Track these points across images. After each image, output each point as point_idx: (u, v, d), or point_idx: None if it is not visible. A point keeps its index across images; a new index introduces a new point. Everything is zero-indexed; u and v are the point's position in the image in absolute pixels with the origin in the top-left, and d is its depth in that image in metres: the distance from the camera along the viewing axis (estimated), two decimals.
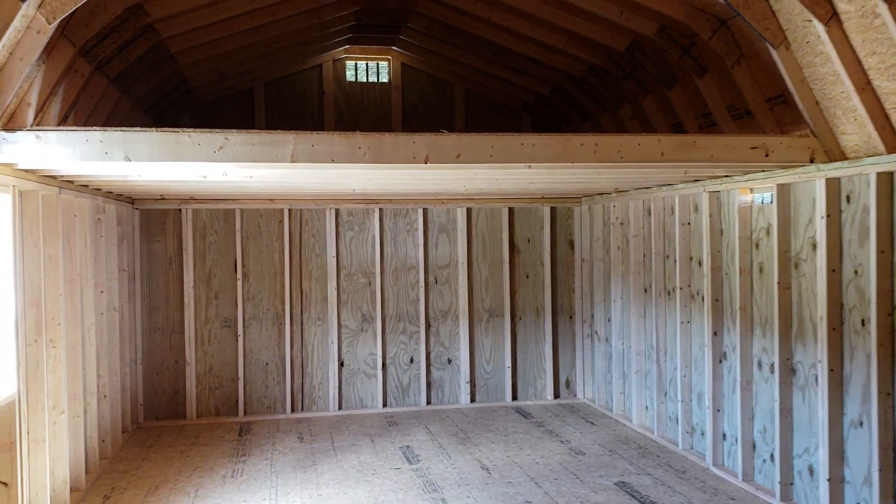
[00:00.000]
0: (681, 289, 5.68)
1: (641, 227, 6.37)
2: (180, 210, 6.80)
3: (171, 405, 6.84)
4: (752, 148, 4.08)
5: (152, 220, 6.80)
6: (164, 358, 6.83)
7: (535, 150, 3.94)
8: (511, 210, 7.42)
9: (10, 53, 3.20)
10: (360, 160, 3.71)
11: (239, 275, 6.90)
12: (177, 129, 3.57)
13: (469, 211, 7.35)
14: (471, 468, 5.40)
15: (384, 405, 7.21)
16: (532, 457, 5.65)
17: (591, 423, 6.67)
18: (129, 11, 4.17)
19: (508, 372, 7.44)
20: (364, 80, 7.53)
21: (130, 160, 3.55)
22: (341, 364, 7.14)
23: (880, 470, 3.80)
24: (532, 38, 5.81)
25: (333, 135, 3.68)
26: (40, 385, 4.19)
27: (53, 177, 4.38)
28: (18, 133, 3.47)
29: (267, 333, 6.99)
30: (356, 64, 7.54)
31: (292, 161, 3.62)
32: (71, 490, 4.76)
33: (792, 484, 4.53)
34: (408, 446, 5.97)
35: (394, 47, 7.41)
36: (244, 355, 6.94)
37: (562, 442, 6.04)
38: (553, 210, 7.52)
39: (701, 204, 5.40)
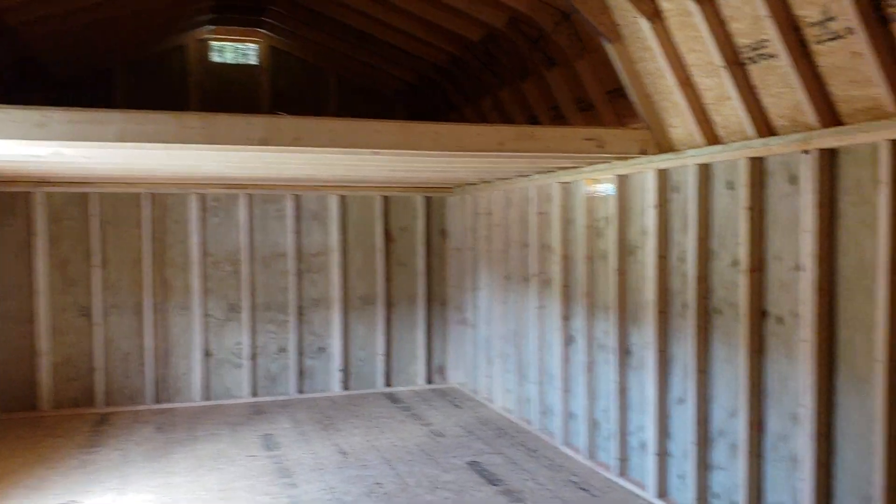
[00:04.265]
0: (536, 275, 5.87)
1: (504, 216, 6.53)
2: (32, 193, 6.52)
3: (25, 396, 6.56)
4: (586, 139, 4.25)
5: (2, 204, 6.50)
6: (16, 347, 6.53)
7: (376, 136, 3.98)
8: (386, 198, 7.46)
9: None
10: (193, 140, 3.66)
11: (96, 262, 6.68)
12: None
13: (343, 198, 7.34)
14: (328, 453, 5.42)
15: (253, 395, 7.14)
16: (392, 440, 5.72)
17: (458, 406, 6.81)
18: None
19: (382, 359, 7.49)
20: (231, 61, 7.39)
21: None
22: (207, 354, 7.02)
23: (696, 443, 4.05)
24: (394, 27, 5.86)
25: (163, 114, 3.62)
26: None
27: None
28: None
29: (127, 322, 6.79)
30: (223, 45, 7.40)
31: (119, 140, 3.53)
32: None
33: (628, 459, 4.77)
34: (269, 434, 5.94)
35: (262, 30, 7.31)
36: (103, 345, 6.72)
37: (424, 425, 6.15)
38: (428, 199, 7.60)
39: (553, 194, 5.59)
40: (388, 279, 7.51)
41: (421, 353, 7.62)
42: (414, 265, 7.59)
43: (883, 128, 2.91)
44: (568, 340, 5.46)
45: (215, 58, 7.37)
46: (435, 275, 7.69)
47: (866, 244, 3.04)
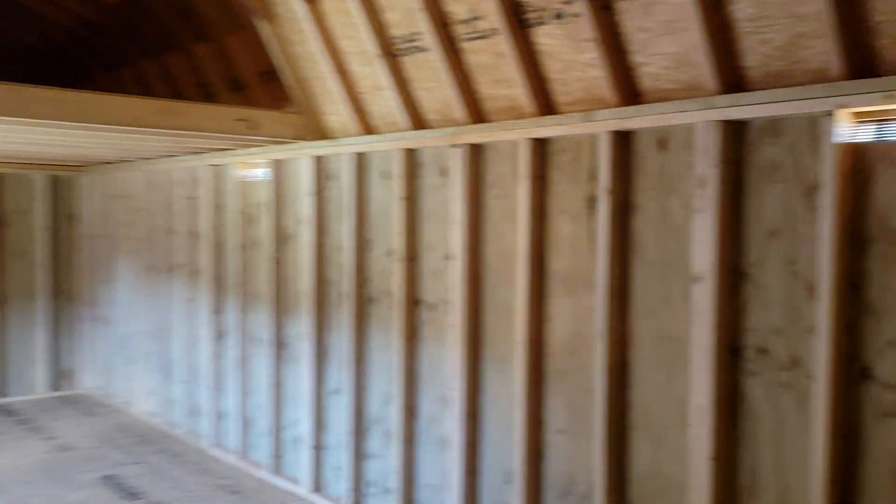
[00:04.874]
0: (184, 266, 5.43)
1: (147, 200, 5.95)
2: None
3: None
4: (238, 120, 3.97)
5: None
6: None
7: None
8: None
9: None
10: None
11: None
12: None
13: None
14: None
15: None
16: (6, 460, 4.87)
17: (90, 414, 6.06)
18: None
19: None
20: None
21: None
22: None
23: (353, 433, 4.03)
24: None
25: None
26: None
27: None
28: None
29: None
30: None
31: None
32: None
33: (283, 456, 4.61)
34: None
35: None
36: None
37: (48, 439, 5.35)
38: (53, 179, 6.63)
39: (203, 178, 5.21)
40: (1, 271, 6.42)
41: (43, 356, 6.65)
42: (34, 255, 6.58)
43: (522, 127, 3.12)
44: (219, 335, 5.13)
45: None
46: (62, 266, 6.75)
47: (508, 235, 3.25)
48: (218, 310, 5.12)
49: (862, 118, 2.22)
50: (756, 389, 2.49)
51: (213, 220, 5.10)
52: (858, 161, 2.24)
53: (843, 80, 2.19)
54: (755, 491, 2.49)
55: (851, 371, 2.27)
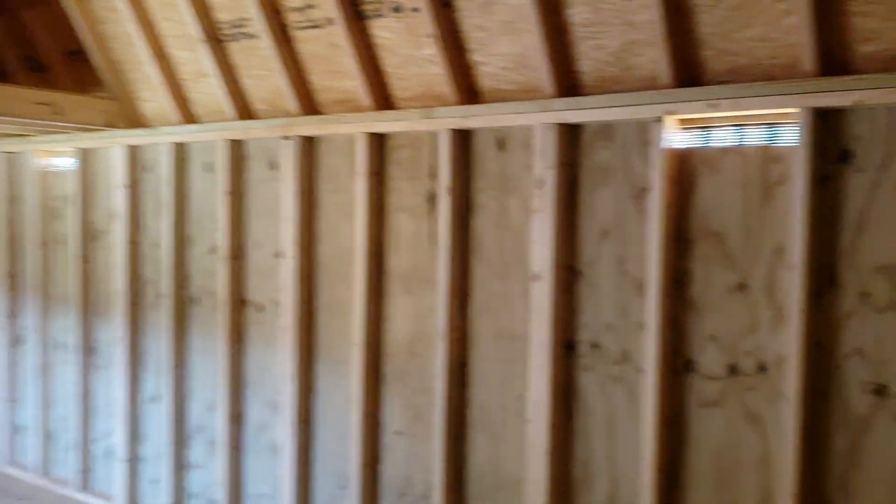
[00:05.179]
0: None
1: None
2: None
3: None
4: (38, 103, 3.57)
5: None
6: None
7: None
8: None
9: None
10: None
11: None
12: None
13: None
14: None
15: None
16: None
17: None
18: None
19: None
20: None
21: None
22: None
23: (173, 443, 3.77)
24: None
25: None
26: None
27: None
28: None
29: None
30: None
31: None
32: None
33: (92, 471, 4.23)
34: None
35: None
36: None
37: None
38: None
39: None
40: None
41: None
42: None
43: (359, 120, 3.03)
44: (15, 341, 4.62)
45: None
46: None
47: (344, 233, 3.15)
48: (13, 313, 4.61)
49: (688, 125, 2.35)
50: (590, 383, 2.57)
51: (6, 213, 4.59)
52: (684, 166, 2.37)
53: (672, 87, 2.31)
54: (589, 481, 2.58)
55: (676, 364, 2.40)
